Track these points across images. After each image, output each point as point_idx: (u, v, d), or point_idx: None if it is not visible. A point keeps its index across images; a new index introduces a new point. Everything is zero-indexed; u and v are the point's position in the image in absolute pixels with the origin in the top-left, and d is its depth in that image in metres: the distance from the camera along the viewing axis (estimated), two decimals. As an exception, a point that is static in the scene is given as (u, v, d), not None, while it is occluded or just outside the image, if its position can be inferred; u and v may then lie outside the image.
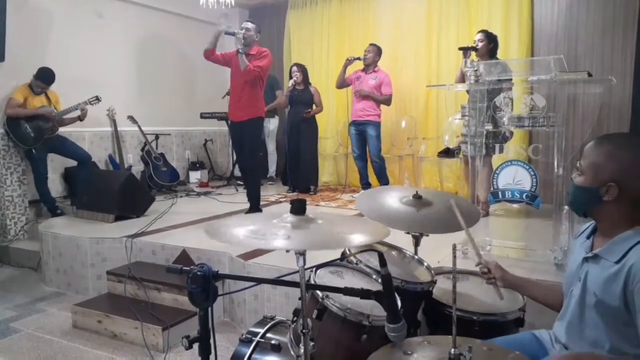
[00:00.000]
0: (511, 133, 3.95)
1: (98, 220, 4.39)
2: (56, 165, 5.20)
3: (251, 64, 4.14)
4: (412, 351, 1.29)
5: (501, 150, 3.65)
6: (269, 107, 5.64)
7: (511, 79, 3.21)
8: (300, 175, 5.95)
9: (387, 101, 5.51)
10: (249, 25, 4.32)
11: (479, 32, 4.51)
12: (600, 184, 1.31)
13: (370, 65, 5.51)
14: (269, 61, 4.28)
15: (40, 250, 4.13)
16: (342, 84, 5.69)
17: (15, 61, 4.71)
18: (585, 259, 1.38)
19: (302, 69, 5.92)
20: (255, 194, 4.45)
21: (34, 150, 4.69)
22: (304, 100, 5.85)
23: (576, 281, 1.40)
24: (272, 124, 6.67)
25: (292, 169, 5.99)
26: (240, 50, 4.13)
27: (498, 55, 4.55)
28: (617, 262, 1.27)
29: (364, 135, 5.53)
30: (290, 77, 5.94)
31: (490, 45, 4.40)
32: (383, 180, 5.51)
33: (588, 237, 1.43)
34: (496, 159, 3.43)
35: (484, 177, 3.69)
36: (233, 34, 4.15)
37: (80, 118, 4.94)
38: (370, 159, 5.59)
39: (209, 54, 4.34)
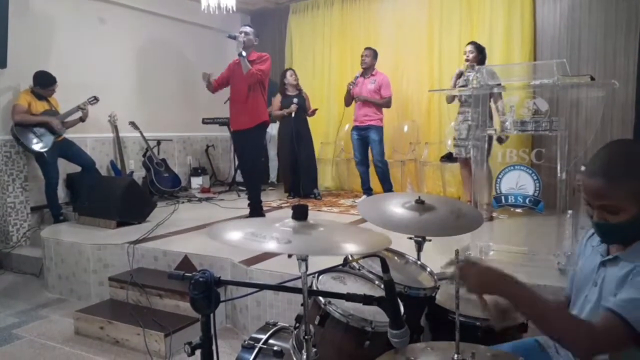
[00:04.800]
0: (507, 136, 4.00)
1: (100, 226, 4.40)
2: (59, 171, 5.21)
3: (253, 68, 4.20)
4: (415, 357, 1.28)
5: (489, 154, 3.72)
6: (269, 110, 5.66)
7: (501, 84, 3.25)
8: (303, 179, 5.96)
9: (387, 103, 5.45)
10: (248, 29, 4.36)
11: (469, 44, 4.70)
12: None
13: (368, 69, 5.45)
14: (269, 65, 4.34)
15: (42, 256, 4.14)
16: (350, 102, 5.60)
17: (17, 67, 4.71)
18: (603, 263, 1.32)
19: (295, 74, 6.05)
20: (255, 198, 4.48)
21: (45, 155, 4.68)
22: (301, 105, 5.89)
23: (591, 286, 1.34)
24: (273, 130, 6.66)
25: (295, 174, 6.00)
26: (242, 54, 4.18)
27: (500, 59, 4.77)
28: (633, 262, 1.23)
29: (366, 141, 5.49)
30: (284, 83, 5.98)
31: (479, 56, 4.59)
32: (386, 185, 5.47)
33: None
34: (498, 164, 3.42)
35: (482, 179, 3.68)
36: (235, 38, 4.21)
37: (82, 119, 4.98)
38: (373, 164, 5.55)
39: (214, 89, 4.53)
